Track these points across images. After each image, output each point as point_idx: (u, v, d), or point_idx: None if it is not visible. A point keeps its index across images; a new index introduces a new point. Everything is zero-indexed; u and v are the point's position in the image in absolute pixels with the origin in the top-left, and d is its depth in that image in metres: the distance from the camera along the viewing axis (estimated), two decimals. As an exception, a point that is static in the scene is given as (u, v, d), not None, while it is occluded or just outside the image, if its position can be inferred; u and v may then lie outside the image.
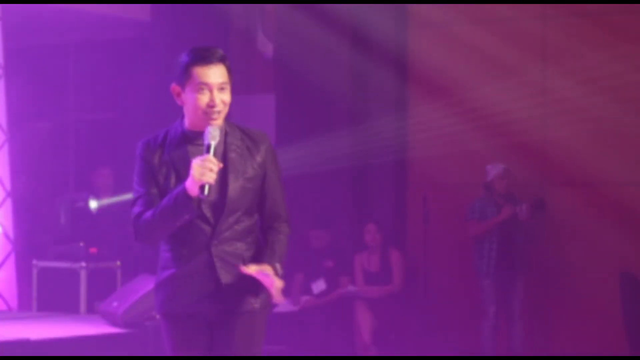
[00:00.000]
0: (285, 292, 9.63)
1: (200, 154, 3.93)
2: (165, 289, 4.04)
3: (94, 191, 9.40)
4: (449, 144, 9.54)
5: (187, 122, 4.04)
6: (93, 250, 8.62)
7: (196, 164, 3.85)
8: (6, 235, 8.87)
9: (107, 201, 9.33)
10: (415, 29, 9.96)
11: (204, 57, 3.97)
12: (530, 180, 9.26)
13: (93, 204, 8.92)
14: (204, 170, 3.84)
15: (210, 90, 3.96)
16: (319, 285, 9.34)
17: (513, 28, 9.45)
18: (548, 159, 9.32)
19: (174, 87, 4.03)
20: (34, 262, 8.72)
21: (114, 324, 7.31)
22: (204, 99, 3.96)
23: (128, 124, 10.87)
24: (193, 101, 3.96)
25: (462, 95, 9.57)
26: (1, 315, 8.35)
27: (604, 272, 8.92)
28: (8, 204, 8.91)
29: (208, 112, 3.96)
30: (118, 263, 8.74)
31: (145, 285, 7.36)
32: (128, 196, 9.45)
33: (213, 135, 3.92)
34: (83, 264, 8.48)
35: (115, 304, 7.39)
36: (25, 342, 6.53)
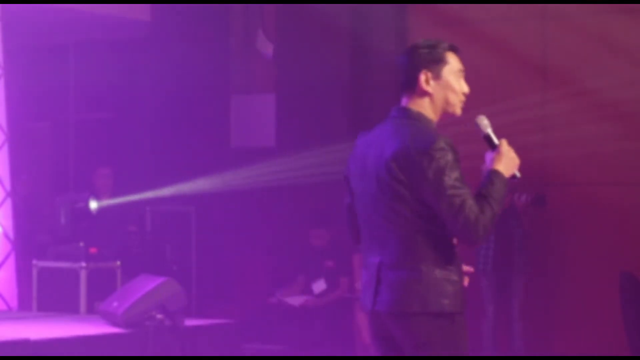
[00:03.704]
0: (286, 291, 9.59)
1: None
2: (460, 287, 3.99)
3: (94, 191, 9.39)
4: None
5: (426, 114, 4.02)
6: (93, 250, 8.60)
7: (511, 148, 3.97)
8: (6, 235, 8.87)
9: (107, 201, 9.33)
10: (415, 28, 9.95)
11: (454, 46, 4.03)
12: (529, 181, 9.25)
13: (93, 204, 8.91)
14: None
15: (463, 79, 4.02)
16: (319, 285, 9.33)
17: (512, 29, 9.46)
18: (548, 158, 9.32)
19: (426, 72, 3.99)
20: (34, 262, 8.71)
21: (114, 324, 7.29)
22: (463, 85, 4.03)
23: (128, 124, 10.88)
24: (452, 87, 4.00)
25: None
26: (1, 315, 8.35)
27: (604, 272, 8.91)
28: (8, 204, 8.90)
29: (461, 100, 4.04)
30: (118, 263, 8.73)
31: (145, 285, 7.35)
32: (128, 197, 9.47)
33: (487, 124, 4.07)
34: (83, 264, 8.47)
35: (115, 304, 7.38)
36: (25, 342, 6.51)
